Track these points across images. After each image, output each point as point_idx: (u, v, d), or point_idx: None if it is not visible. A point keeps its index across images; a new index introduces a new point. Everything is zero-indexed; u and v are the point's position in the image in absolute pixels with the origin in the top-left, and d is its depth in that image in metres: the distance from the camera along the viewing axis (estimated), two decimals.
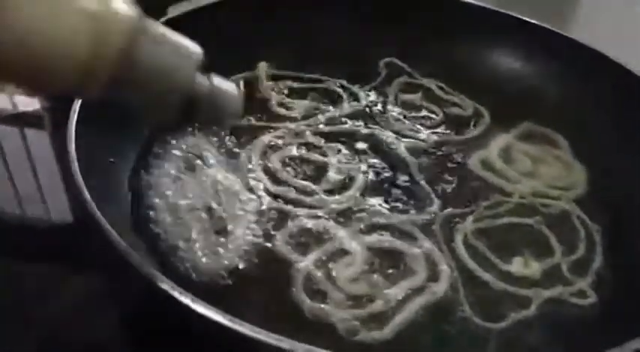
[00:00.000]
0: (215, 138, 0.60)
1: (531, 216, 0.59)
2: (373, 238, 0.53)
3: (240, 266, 0.49)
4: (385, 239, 0.53)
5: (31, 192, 0.61)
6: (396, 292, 0.49)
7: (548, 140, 0.68)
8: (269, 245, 0.51)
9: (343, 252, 0.52)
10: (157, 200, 0.53)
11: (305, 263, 0.50)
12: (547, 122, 0.69)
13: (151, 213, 0.52)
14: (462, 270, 0.52)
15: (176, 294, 0.38)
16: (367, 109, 0.67)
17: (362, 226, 0.54)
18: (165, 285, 0.38)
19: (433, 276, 0.51)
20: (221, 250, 0.50)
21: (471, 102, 0.70)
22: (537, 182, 0.62)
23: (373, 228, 0.54)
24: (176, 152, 0.58)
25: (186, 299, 0.38)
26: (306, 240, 0.52)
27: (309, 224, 0.53)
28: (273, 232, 0.52)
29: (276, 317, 0.47)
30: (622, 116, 0.66)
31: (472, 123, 0.68)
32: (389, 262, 0.52)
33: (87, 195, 0.43)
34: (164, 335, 0.47)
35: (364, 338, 0.46)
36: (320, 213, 0.54)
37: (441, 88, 0.72)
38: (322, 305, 0.47)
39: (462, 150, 0.64)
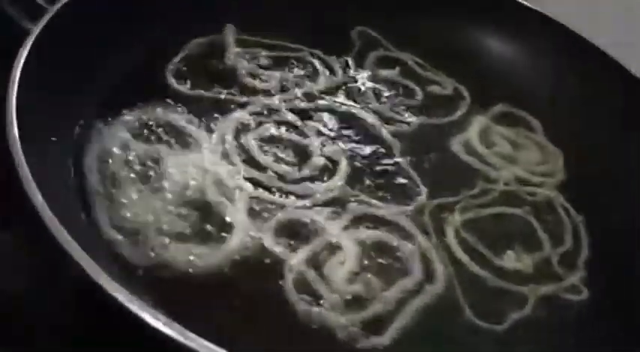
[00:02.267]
0: (181, 111, 0.52)
1: (519, 205, 0.56)
2: (365, 233, 0.48)
3: (224, 263, 0.43)
4: (377, 234, 0.49)
5: None
6: (393, 293, 0.45)
7: (523, 123, 0.66)
8: (254, 240, 0.45)
9: (334, 248, 0.47)
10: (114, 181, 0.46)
11: (296, 261, 0.45)
12: (521, 104, 0.66)
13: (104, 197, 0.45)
14: (457, 266, 0.49)
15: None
16: (344, 85, 0.62)
17: (351, 218, 0.49)
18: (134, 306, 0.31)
19: (428, 275, 0.47)
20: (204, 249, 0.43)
21: (450, 79, 0.66)
22: (518, 167, 0.60)
23: (363, 220, 0.49)
24: (134, 125, 0.50)
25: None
26: (295, 235, 0.46)
27: (297, 216, 0.47)
28: (258, 225, 0.46)
29: (267, 322, 0.42)
30: (595, 99, 0.65)
31: (453, 104, 0.64)
32: (383, 259, 0.47)
33: (39, 196, 0.35)
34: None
35: (364, 346, 0.42)
36: (307, 203, 0.49)
37: (419, 64, 0.67)
38: (318, 309, 0.43)
39: (444, 132, 0.61)
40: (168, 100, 0.53)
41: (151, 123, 0.51)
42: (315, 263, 0.45)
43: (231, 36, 0.61)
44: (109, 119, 0.50)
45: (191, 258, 0.43)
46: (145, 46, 0.55)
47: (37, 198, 0.33)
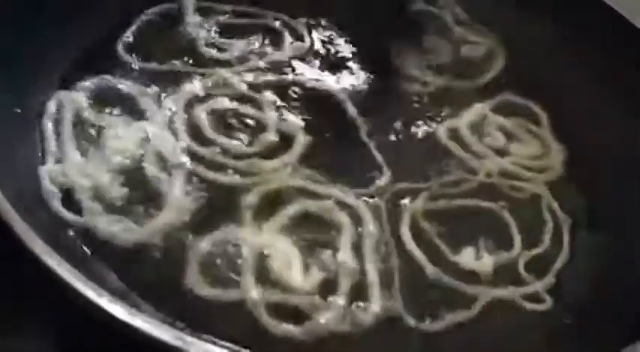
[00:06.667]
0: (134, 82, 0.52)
1: (495, 199, 0.51)
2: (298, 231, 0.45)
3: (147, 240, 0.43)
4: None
5: None
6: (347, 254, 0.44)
7: (527, 114, 0.59)
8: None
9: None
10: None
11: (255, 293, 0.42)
12: (530, 95, 0.60)
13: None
14: (403, 256, 0.45)
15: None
16: (314, 52, 0.59)
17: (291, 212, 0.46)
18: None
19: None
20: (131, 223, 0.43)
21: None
22: (507, 160, 0.55)
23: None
24: (88, 95, 0.50)
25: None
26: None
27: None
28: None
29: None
30: (612, 99, 0.57)
31: None
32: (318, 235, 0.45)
33: None
34: None
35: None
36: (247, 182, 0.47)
37: None
38: (309, 323, 0.41)
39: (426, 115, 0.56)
40: (123, 72, 0.52)
41: (103, 93, 0.50)
42: (264, 264, 0.43)
43: (190, 3, 0.59)
44: (66, 87, 0.50)
45: (116, 229, 0.43)
46: (101, 19, 0.55)
47: None
